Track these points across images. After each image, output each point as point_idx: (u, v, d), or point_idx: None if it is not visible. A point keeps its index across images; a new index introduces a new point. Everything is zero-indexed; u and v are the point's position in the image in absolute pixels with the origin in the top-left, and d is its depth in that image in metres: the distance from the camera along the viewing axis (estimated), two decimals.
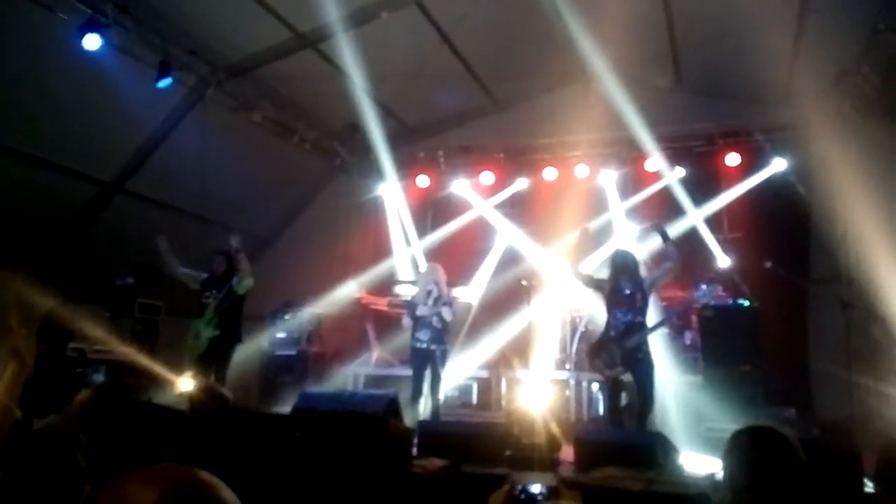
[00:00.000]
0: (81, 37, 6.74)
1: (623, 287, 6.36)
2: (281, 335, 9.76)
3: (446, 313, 7.21)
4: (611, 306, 6.39)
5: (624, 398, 8.10)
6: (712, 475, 4.97)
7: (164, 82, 7.56)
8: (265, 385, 9.45)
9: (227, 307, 7.20)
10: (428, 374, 7.18)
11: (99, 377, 7.50)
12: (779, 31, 7.62)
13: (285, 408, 6.74)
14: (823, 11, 7.21)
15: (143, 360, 7.40)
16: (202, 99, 8.53)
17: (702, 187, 9.56)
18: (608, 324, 6.40)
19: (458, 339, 8.88)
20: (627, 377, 6.46)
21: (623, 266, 6.42)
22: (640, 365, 6.24)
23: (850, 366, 7.59)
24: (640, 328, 6.25)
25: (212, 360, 7.11)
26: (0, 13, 6.43)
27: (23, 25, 6.60)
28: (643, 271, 6.65)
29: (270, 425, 5.57)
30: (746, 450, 2.28)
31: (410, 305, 7.51)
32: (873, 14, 6.93)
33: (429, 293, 7.29)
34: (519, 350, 8.47)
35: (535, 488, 4.03)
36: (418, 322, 7.26)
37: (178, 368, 6.86)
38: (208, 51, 8.18)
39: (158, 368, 7.02)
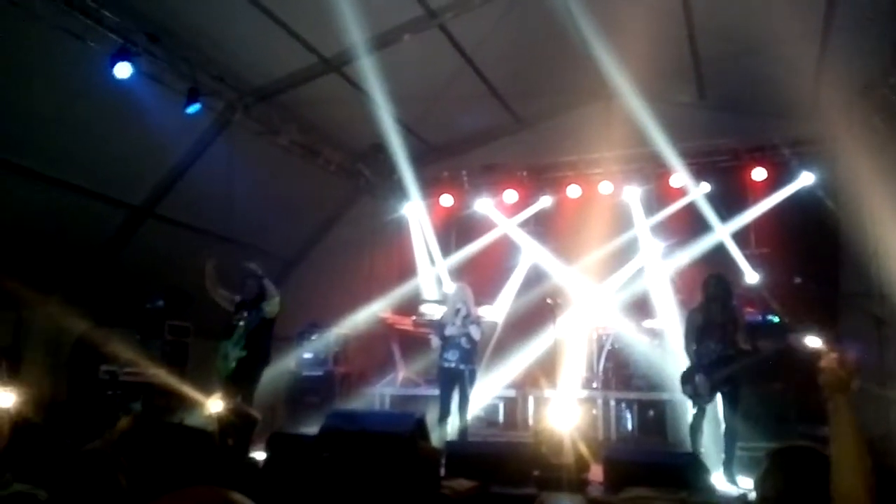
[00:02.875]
0: (113, 65, 6.88)
1: (714, 316, 6.19)
2: (307, 356, 9.82)
3: (474, 332, 7.22)
4: (702, 335, 6.21)
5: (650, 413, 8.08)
6: (744, 495, 4.90)
7: (193, 108, 7.71)
8: (292, 405, 9.50)
9: (256, 329, 7.27)
10: (456, 394, 7.18)
11: (137, 405, 7.61)
12: (803, 44, 7.55)
13: (312, 428, 6.77)
14: (848, 24, 7.13)
15: (173, 382, 7.48)
16: (230, 124, 8.69)
17: (728, 202, 9.45)
18: (699, 352, 6.20)
19: (484, 358, 8.85)
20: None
21: (715, 294, 6.26)
22: (727, 398, 6.06)
23: (884, 383, 7.43)
24: (730, 360, 6.04)
25: (239, 380, 7.17)
26: (32, 43, 6.61)
27: (55, 54, 6.76)
28: (735, 300, 6.43)
29: (299, 446, 5.60)
30: (786, 470, 2.21)
31: (439, 325, 7.53)
32: None
33: (457, 311, 7.30)
34: (545, 369, 8.40)
35: None
36: (447, 342, 7.28)
37: (207, 389, 6.92)
38: (235, 77, 8.33)
39: (188, 390, 7.07)
